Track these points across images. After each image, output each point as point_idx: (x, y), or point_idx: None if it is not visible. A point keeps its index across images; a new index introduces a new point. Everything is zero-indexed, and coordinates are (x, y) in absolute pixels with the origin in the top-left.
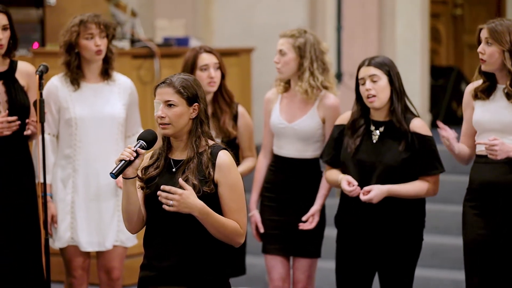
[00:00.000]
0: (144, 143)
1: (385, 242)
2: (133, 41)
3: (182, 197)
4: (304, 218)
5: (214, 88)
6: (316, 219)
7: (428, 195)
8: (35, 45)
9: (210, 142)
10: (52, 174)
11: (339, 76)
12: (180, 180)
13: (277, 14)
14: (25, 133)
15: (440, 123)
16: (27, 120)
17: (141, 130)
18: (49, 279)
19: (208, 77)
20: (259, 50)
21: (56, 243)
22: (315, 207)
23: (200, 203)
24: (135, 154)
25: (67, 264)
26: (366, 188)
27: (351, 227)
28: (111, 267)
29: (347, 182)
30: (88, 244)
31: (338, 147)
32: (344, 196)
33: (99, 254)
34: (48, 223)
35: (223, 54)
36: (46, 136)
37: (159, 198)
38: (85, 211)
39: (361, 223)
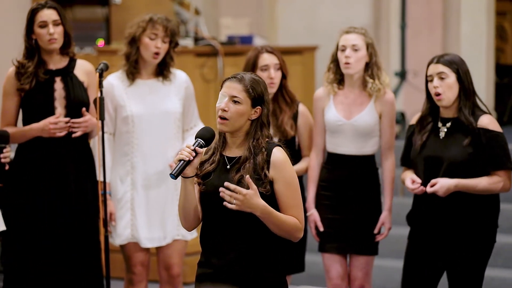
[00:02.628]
0: (202, 141)
1: (456, 242)
2: (196, 39)
3: (246, 197)
4: (376, 231)
5: (274, 89)
6: (388, 225)
7: (500, 191)
8: (101, 43)
9: (266, 140)
10: (110, 172)
11: (403, 74)
12: (247, 178)
13: (341, 12)
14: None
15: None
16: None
17: (200, 123)
18: (108, 275)
19: (268, 78)
20: (323, 48)
21: (117, 240)
22: (384, 213)
23: (263, 203)
24: (194, 154)
25: (127, 261)
26: (432, 181)
27: (423, 225)
28: (171, 263)
29: (411, 181)
30: (148, 241)
31: (410, 147)
32: (417, 194)
33: (158, 251)
34: (107, 221)
35: (287, 52)
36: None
37: (220, 194)
38: (144, 207)
39: (433, 221)
